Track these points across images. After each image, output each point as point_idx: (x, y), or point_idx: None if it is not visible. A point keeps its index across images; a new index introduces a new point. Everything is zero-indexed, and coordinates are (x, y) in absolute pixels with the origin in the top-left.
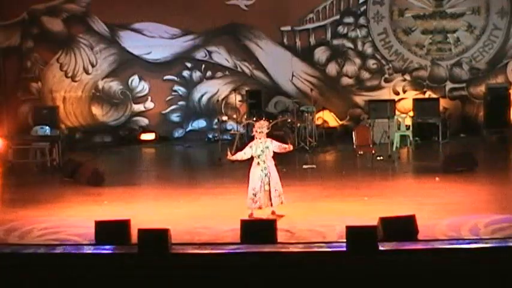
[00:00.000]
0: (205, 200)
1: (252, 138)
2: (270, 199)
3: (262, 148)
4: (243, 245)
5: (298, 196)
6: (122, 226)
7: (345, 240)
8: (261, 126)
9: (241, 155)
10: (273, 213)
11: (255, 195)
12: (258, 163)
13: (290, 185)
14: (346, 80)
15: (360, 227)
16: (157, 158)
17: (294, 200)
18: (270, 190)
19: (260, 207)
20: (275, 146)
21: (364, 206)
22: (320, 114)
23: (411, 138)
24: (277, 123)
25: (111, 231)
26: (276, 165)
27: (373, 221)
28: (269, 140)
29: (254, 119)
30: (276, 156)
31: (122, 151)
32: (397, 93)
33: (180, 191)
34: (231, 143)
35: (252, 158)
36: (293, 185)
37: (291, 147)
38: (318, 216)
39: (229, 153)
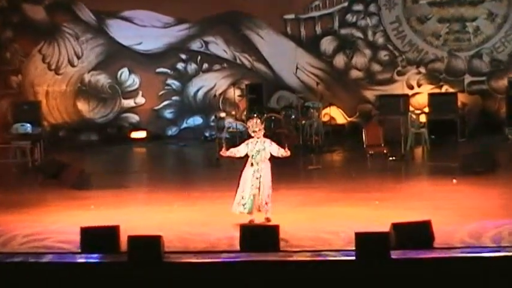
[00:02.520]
0: (202, 205)
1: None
2: (259, 205)
3: (259, 148)
4: (243, 253)
5: (302, 200)
6: (110, 233)
7: (354, 248)
8: (254, 125)
9: (234, 152)
10: (267, 220)
11: (243, 198)
12: (252, 164)
13: (293, 188)
14: (355, 73)
15: (370, 234)
16: (148, 158)
17: (298, 204)
18: (259, 196)
19: (250, 213)
20: (273, 149)
21: (375, 210)
22: (327, 110)
23: (426, 136)
24: (272, 118)
25: (98, 238)
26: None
27: (385, 227)
28: (268, 141)
29: (255, 115)
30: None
31: (110, 151)
32: (411, 88)
33: (173, 194)
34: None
35: (246, 158)
36: (297, 188)
37: (288, 152)
38: (324, 222)
39: (224, 148)
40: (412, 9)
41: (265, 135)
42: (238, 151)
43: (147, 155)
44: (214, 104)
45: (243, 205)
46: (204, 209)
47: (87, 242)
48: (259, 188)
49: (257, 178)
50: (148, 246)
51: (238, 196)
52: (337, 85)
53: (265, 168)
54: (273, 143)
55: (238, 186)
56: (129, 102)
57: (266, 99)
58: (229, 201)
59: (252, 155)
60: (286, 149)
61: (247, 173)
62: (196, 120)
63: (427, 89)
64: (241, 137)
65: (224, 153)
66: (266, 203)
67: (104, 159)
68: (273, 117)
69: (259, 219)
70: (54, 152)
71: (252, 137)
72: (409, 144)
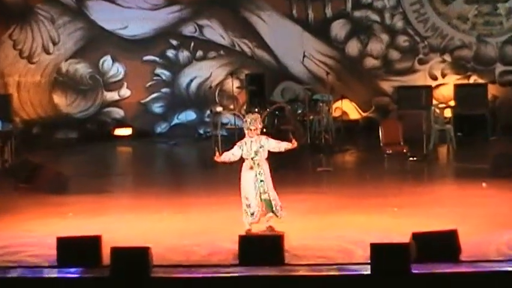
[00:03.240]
0: (195, 212)
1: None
2: (273, 211)
3: (256, 148)
4: (242, 268)
5: (310, 207)
6: (91, 244)
7: (369, 262)
8: (253, 121)
9: (229, 156)
10: (269, 229)
11: (249, 206)
12: (251, 167)
13: (300, 193)
14: (370, 62)
15: (388, 245)
16: (134, 158)
17: (305, 211)
18: (269, 199)
19: (257, 222)
20: (272, 144)
21: (394, 218)
22: (338, 104)
23: (452, 134)
24: (277, 111)
25: (77, 250)
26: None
27: (405, 238)
28: (264, 137)
29: (256, 110)
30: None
31: (90, 150)
32: (435, 78)
33: (163, 200)
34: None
35: (242, 160)
36: (304, 193)
37: (295, 144)
38: (335, 232)
39: (217, 153)
40: None
41: (265, 133)
42: (233, 155)
43: (133, 155)
44: (210, 96)
45: (251, 214)
46: (197, 217)
47: (64, 254)
48: (267, 192)
49: (262, 181)
50: (134, 259)
51: (243, 205)
52: (350, 75)
53: (267, 169)
54: (269, 138)
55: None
56: (112, 95)
57: (269, 91)
58: (226, 208)
59: (251, 157)
60: (293, 141)
61: (249, 177)
62: (189, 116)
63: (453, 79)
64: (241, 134)
65: (218, 158)
66: (281, 207)
67: (84, 160)
68: (276, 112)
69: (260, 228)
70: (27, 151)
71: (244, 137)
72: (432, 143)
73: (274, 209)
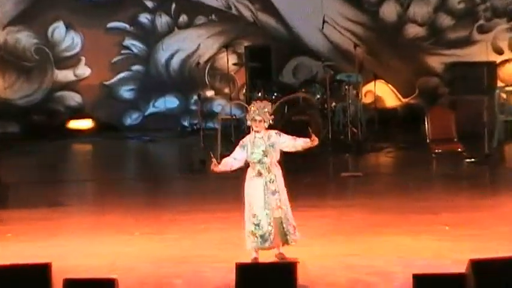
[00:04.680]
0: (177, 232)
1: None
2: (285, 233)
3: (265, 147)
4: None
5: (333, 225)
6: (38, 273)
7: None
8: (257, 111)
9: (230, 163)
10: (279, 256)
11: (257, 226)
12: (259, 172)
13: (319, 207)
14: (413, 30)
15: (436, 276)
16: (96, 159)
17: (326, 231)
18: (281, 218)
19: (271, 247)
20: (285, 142)
21: (444, 240)
22: (370, 86)
23: None
24: (294, 101)
25: (20, 281)
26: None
27: (460, 267)
28: (274, 133)
29: (259, 95)
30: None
31: (37, 149)
32: (500, 52)
33: (134, 216)
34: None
35: (247, 165)
36: (323, 206)
37: (315, 140)
38: (366, 258)
39: (214, 160)
40: None
41: (273, 126)
42: (236, 159)
43: (95, 155)
44: (197, 77)
45: (261, 237)
46: (180, 238)
47: (4, 287)
48: (281, 208)
49: (273, 192)
50: None
51: (248, 223)
52: (385, 48)
53: (279, 175)
54: (281, 133)
55: (244, 208)
56: (66, 75)
57: (277, 69)
58: (218, 227)
59: (258, 160)
60: (313, 137)
61: (257, 186)
62: (170, 102)
63: None
64: (239, 127)
65: (216, 168)
66: (294, 228)
67: (29, 162)
68: (294, 101)
69: (267, 255)
70: None
71: (248, 132)
72: (496, 139)
73: (285, 230)
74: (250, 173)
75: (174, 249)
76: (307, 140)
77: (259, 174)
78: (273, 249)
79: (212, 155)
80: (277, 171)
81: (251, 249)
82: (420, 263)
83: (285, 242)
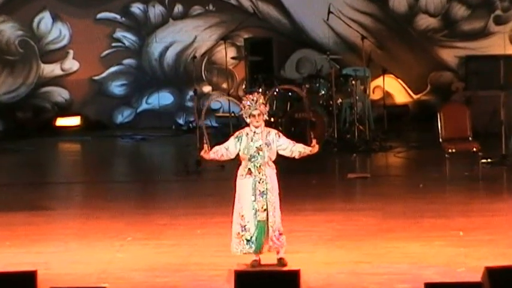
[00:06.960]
0: (172, 238)
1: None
2: (268, 239)
3: (260, 144)
4: None
5: (338, 231)
6: (22, 283)
7: None
8: (253, 105)
9: (221, 152)
10: (280, 263)
11: (244, 228)
12: (250, 171)
13: (324, 211)
14: (425, 21)
15: (449, 285)
16: (85, 160)
17: (331, 237)
18: (267, 223)
19: (260, 252)
20: (282, 144)
21: (458, 246)
22: (379, 81)
23: None
24: (290, 92)
25: None
26: (277, 175)
27: (475, 274)
28: (274, 132)
29: (260, 90)
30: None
31: (22, 148)
32: None
33: (126, 220)
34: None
35: (239, 160)
36: (329, 211)
37: (316, 147)
38: (375, 266)
39: (206, 146)
40: None
41: (272, 124)
42: (227, 150)
43: (83, 155)
44: (193, 71)
45: (247, 241)
46: (175, 244)
47: None
48: (266, 210)
49: (261, 193)
50: None
51: (235, 225)
52: (395, 40)
53: (271, 177)
54: (281, 134)
55: (233, 209)
56: (52, 69)
57: (279, 62)
58: (217, 232)
59: (250, 156)
60: (314, 142)
61: (244, 186)
62: (164, 99)
63: None
64: (238, 125)
65: (207, 154)
66: (280, 234)
67: (13, 163)
68: (289, 93)
69: (268, 259)
70: None
71: (245, 126)
72: None
73: (269, 236)
74: (241, 171)
75: (169, 256)
76: (307, 147)
77: (249, 172)
78: (275, 254)
79: (205, 141)
80: (270, 172)
81: (236, 252)
82: (432, 270)
83: (269, 248)
